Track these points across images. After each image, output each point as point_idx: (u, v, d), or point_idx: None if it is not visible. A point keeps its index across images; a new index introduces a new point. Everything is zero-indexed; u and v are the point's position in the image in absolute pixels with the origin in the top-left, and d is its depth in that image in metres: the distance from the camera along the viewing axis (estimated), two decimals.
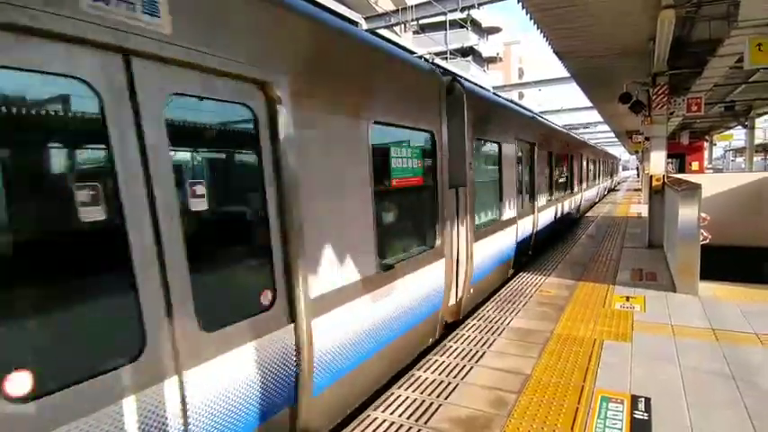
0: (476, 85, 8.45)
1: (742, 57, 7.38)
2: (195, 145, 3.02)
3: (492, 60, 44.25)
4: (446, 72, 6.61)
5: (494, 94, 10.12)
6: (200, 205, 2.56)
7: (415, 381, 4.09)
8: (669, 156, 12.84)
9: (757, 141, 27.47)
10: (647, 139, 12.02)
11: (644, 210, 13.95)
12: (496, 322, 5.53)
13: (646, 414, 3.38)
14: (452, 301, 6.01)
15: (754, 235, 12.19)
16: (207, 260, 2.65)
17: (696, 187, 6.49)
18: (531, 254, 9.74)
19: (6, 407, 1.77)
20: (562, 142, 13.68)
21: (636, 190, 32.61)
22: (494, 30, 44.53)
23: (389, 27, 12.93)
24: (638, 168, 41.80)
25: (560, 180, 13.50)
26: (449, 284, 5.67)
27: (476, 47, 38.61)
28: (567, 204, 14.20)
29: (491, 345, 4.84)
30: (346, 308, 3.67)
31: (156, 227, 2.27)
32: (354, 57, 3.97)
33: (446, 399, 3.74)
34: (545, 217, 10.98)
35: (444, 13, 12.21)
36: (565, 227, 13.72)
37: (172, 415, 2.36)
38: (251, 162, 2.93)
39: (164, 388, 2.32)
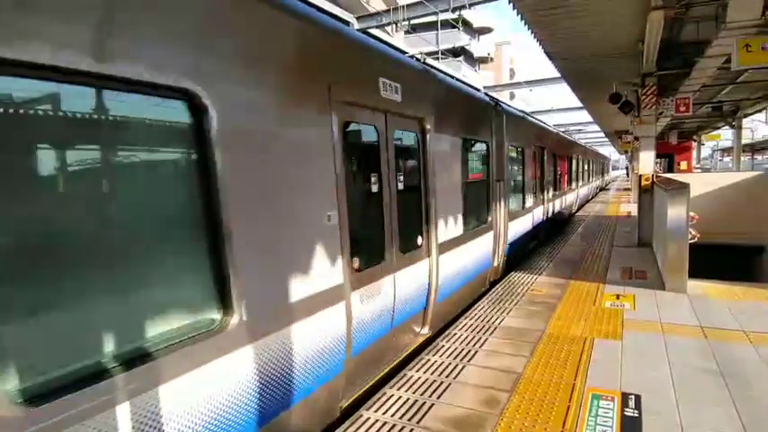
0: (509, 106, 11.21)
1: (730, 58, 7.46)
2: (403, 156, 5.16)
3: (483, 61, 44.41)
4: (490, 98, 8.64)
5: (518, 110, 12.41)
6: (400, 185, 4.90)
7: (408, 380, 4.09)
8: (658, 155, 13.00)
9: (744, 141, 27.80)
10: (636, 139, 12.12)
11: (633, 209, 14.09)
12: (488, 321, 5.55)
13: (636, 411, 3.41)
14: (495, 263, 8.07)
15: (741, 233, 12.35)
16: (412, 224, 5.18)
17: (684, 186, 6.56)
18: (542, 234, 12.23)
19: None
20: (565, 145, 16.50)
21: (625, 189, 32.91)
22: (485, 30, 44.68)
23: (381, 27, 12.92)
24: (627, 168, 42.20)
25: (565, 176, 16.39)
26: (494, 250, 7.91)
27: (467, 47, 38.72)
28: (569, 198, 17.64)
29: (483, 344, 4.86)
30: (452, 253, 5.97)
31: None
32: (457, 99, 6.76)
33: (438, 398, 3.75)
34: (553, 206, 13.76)
35: (436, 13, 12.23)
36: (567, 214, 17.31)
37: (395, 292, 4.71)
38: (416, 161, 5.35)
39: (394, 279, 4.68)
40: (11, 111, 1.95)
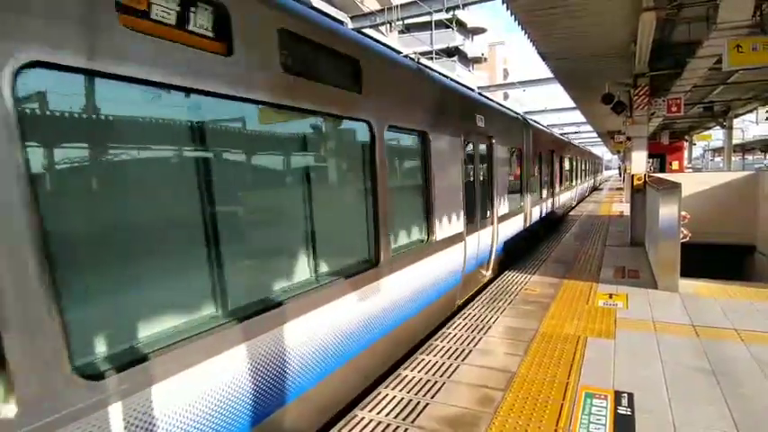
0: (533, 121, 14.25)
1: (721, 58, 7.53)
2: (483, 159, 7.72)
3: (477, 61, 44.45)
4: (521, 116, 11.77)
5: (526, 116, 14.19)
6: (469, 179, 7.04)
7: (402, 380, 4.09)
8: (650, 155, 13.10)
9: (735, 141, 28.06)
10: (628, 139, 12.20)
11: (626, 208, 14.18)
12: (483, 321, 5.56)
13: (629, 409, 3.43)
14: (526, 226, 11.03)
15: (732, 232, 12.46)
16: (484, 203, 7.71)
17: (676, 186, 6.61)
18: (549, 221, 14.68)
19: None
20: (567, 148, 18.99)
21: (618, 189, 33.12)
22: (479, 30, 44.75)
23: (375, 27, 12.91)
24: (619, 168, 42.47)
25: (567, 173, 19.28)
26: (526, 220, 10.97)
27: (461, 47, 38.78)
28: (572, 192, 21.05)
29: (477, 343, 4.87)
30: (504, 223, 8.74)
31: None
32: (508, 123, 9.49)
33: (433, 397, 3.75)
34: (563, 197, 17.58)
35: (430, 13, 12.25)
36: (569, 207, 20.06)
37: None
38: (487, 163, 7.89)
39: (479, 236, 7.37)
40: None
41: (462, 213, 6.51)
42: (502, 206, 8.65)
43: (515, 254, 9.61)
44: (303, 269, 3.61)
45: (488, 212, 7.93)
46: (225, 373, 2.68)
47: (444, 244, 5.89)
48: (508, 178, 9.28)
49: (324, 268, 3.80)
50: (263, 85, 3.01)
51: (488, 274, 7.92)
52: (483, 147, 7.67)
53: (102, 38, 2.05)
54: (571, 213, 18.81)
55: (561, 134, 26.28)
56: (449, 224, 6.01)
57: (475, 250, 7.14)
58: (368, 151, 4.29)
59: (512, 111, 11.64)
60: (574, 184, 21.46)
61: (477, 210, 7.27)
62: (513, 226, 9.66)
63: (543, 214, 13.10)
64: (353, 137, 4.26)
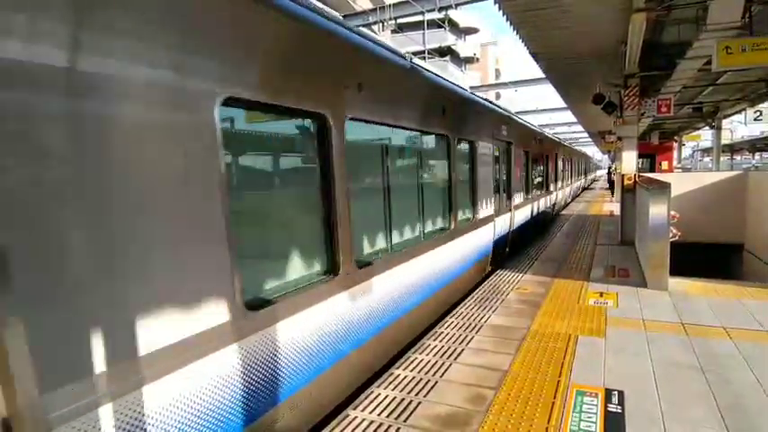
0: (539, 126, 17.50)
1: (710, 59, 7.61)
2: (506, 161, 9.89)
3: (469, 61, 44.58)
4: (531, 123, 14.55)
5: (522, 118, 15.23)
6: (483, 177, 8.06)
7: (395, 379, 4.09)
8: (640, 155, 13.21)
9: (724, 142, 28.37)
10: (619, 139, 12.31)
11: (616, 208, 14.29)
12: (474, 319, 5.58)
13: (619, 407, 3.46)
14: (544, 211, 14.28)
15: (721, 231, 12.60)
16: (505, 195, 9.85)
17: (666, 186, 6.67)
18: (555, 210, 18.06)
19: None
20: (562, 149, 20.58)
21: (606, 189, 33.37)
22: (471, 30, 44.90)
23: (368, 26, 12.90)
24: (609, 168, 42.73)
25: (565, 172, 21.54)
26: (547, 204, 15.37)
27: (453, 47, 38.86)
28: (570, 188, 24.30)
29: (469, 342, 4.88)
30: (518, 211, 10.59)
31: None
32: (522, 130, 11.40)
33: (425, 396, 3.76)
34: (564, 192, 20.91)
35: (422, 13, 12.26)
36: (565, 201, 22.11)
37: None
38: (508, 163, 9.93)
39: (494, 221, 8.71)
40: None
41: (493, 200, 8.59)
42: (516, 197, 10.60)
43: (524, 234, 11.55)
44: (443, 223, 6.55)
45: (508, 201, 9.93)
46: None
47: (483, 222, 8.03)
48: (522, 174, 11.39)
49: (447, 225, 6.59)
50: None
51: (506, 249, 9.82)
52: (504, 150, 9.74)
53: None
54: (563, 212, 18.94)
55: (553, 134, 26.48)
56: (485, 207, 8.12)
57: (499, 229, 9.16)
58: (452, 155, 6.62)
59: (528, 122, 14.04)
60: (570, 182, 23.81)
61: (502, 198, 9.51)
62: (520, 216, 11.24)
63: (546, 206, 15.53)
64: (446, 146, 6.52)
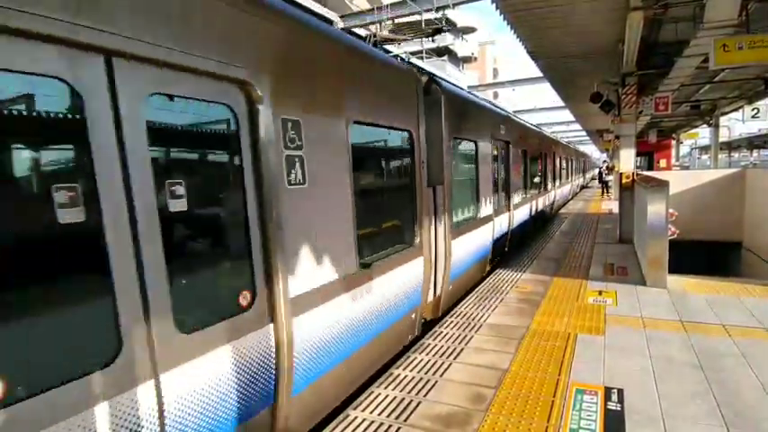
0: (537, 125, 19.08)
1: (707, 57, 7.62)
2: (504, 159, 9.94)
3: (467, 60, 44.58)
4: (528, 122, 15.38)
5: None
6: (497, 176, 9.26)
7: (395, 379, 4.10)
8: (638, 154, 13.24)
9: (722, 140, 28.43)
10: (616, 137, 12.33)
11: (614, 206, 14.31)
12: (474, 319, 5.59)
13: (619, 405, 3.47)
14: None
15: (719, 229, 12.62)
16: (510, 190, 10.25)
17: (664, 184, 6.68)
18: (554, 209, 18.23)
19: None
20: (560, 148, 20.78)
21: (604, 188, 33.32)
22: (469, 30, 44.86)
23: (365, 26, 12.90)
24: (601, 168, 42.73)
25: (562, 170, 21.48)
26: (552, 202, 17.05)
27: (451, 47, 38.86)
28: (570, 186, 25.23)
29: (469, 341, 4.89)
30: (520, 209, 11.12)
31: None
32: (520, 129, 11.58)
33: (425, 396, 3.76)
34: (564, 189, 21.77)
35: (420, 13, 12.26)
36: (565, 199, 22.88)
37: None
38: (504, 162, 9.83)
39: (509, 215, 10.06)
40: None
41: (504, 195, 9.78)
42: (514, 197, 10.86)
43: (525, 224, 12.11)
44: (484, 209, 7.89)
45: (505, 201, 10.13)
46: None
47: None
48: (522, 173, 11.62)
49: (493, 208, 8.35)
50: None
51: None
52: (503, 150, 9.87)
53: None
54: (561, 211, 18.97)
55: (551, 133, 26.52)
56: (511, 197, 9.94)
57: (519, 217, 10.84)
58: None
59: (527, 122, 15.47)
60: (568, 180, 24.38)
61: (511, 191, 10.31)
62: (523, 213, 11.93)
63: (548, 201, 16.30)
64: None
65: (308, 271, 3.38)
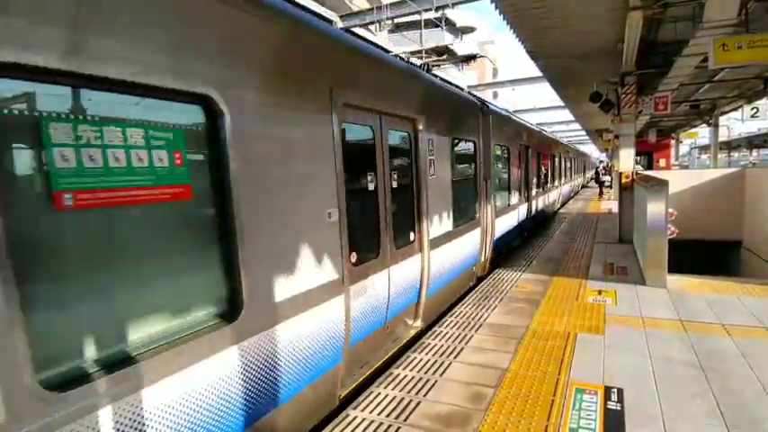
0: (539, 126, 19.99)
1: (707, 57, 7.62)
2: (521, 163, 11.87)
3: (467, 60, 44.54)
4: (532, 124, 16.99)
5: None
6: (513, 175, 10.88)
7: (394, 379, 4.10)
8: (637, 153, 13.25)
9: (721, 139, 28.43)
10: (616, 137, 12.33)
11: (614, 206, 14.31)
12: (474, 318, 5.59)
13: (618, 404, 3.47)
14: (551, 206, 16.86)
15: (719, 229, 12.62)
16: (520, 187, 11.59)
17: (663, 184, 6.68)
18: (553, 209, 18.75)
19: None
20: (560, 148, 21.66)
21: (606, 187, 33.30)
22: (468, 29, 44.82)
23: (365, 26, 12.88)
24: (599, 167, 42.67)
25: (568, 169, 23.76)
26: (558, 198, 19.05)
27: (451, 46, 38.83)
28: (570, 185, 26.53)
29: (469, 341, 4.89)
30: (541, 198, 14.06)
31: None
32: (532, 132, 13.63)
33: (425, 396, 3.76)
34: (571, 184, 24.97)
35: (419, 12, 12.25)
36: (567, 196, 24.12)
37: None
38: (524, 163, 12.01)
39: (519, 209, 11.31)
40: None
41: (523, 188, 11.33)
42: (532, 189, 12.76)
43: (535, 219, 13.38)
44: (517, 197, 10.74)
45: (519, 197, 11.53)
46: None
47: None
48: (537, 169, 13.40)
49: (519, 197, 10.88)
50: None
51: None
52: (524, 153, 11.57)
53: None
54: (561, 210, 18.99)
55: (551, 132, 26.57)
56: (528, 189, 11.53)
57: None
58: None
59: (529, 123, 15.91)
60: (569, 179, 25.88)
61: (530, 185, 12.07)
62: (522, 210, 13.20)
63: (553, 198, 17.95)
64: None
65: (433, 223, 5.74)
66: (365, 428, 3.33)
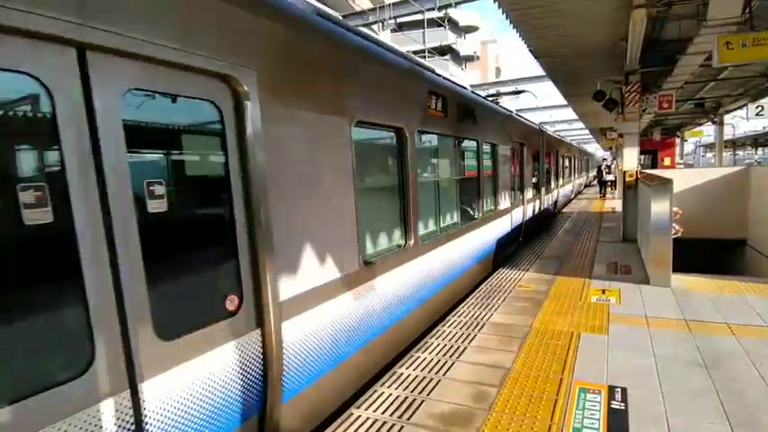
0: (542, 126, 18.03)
1: (711, 55, 7.59)
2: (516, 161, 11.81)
3: (470, 59, 44.55)
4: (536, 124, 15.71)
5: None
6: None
7: (398, 378, 4.10)
8: (642, 152, 13.22)
9: (726, 137, 28.29)
10: (620, 135, 12.30)
11: (618, 204, 14.27)
12: (477, 318, 5.59)
13: (622, 404, 3.46)
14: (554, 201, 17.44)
15: (723, 227, 12.57)
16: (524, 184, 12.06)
17: (668, 182, 6.66)
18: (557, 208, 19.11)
19: None
20: (566, 147, 22.40)
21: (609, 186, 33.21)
22: (471, 29, 44.82)
23: (368, 25, 12.91)
24: (601, 167, 42.51)
25: (575, 168, 25.57)
26: (557, 198, 18.10)
27: (454, 45, 38.82)
28: (572, 185, 26.04)
29: (472, 340, 4.89)
30: (545, 197, 14.64)
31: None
32: (536, 134, 13.53)
33: (428, 395, 3.77)
34: (578, 181, 26.81)
35: (422, 12, 12.26)
36: (570, 195, 24.43)
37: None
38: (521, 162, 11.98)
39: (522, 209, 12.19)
40: None
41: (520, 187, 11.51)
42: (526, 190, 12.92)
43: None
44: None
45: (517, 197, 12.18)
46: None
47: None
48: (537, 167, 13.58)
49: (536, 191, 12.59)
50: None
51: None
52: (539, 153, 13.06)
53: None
54: (564, 210, 18.96)
55: (555, 131, 26.53)
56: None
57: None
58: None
59: (533, 123, 15.42)
60: (572, 179, 26.07)
61: (538, 183, 13.04)
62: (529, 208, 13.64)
63: (558, 196, 18.26)
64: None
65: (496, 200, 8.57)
66: (369, 427, 3.34)
